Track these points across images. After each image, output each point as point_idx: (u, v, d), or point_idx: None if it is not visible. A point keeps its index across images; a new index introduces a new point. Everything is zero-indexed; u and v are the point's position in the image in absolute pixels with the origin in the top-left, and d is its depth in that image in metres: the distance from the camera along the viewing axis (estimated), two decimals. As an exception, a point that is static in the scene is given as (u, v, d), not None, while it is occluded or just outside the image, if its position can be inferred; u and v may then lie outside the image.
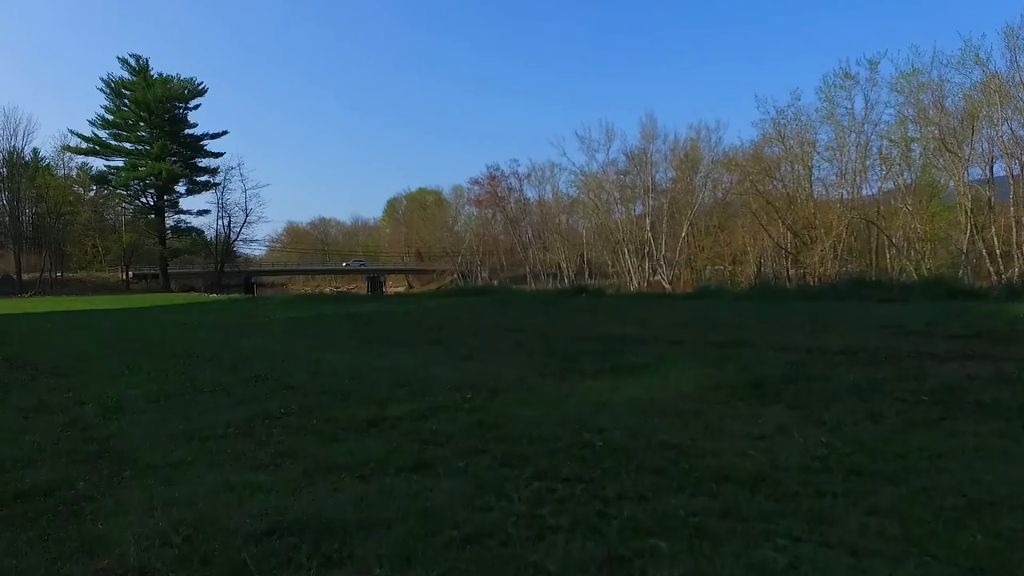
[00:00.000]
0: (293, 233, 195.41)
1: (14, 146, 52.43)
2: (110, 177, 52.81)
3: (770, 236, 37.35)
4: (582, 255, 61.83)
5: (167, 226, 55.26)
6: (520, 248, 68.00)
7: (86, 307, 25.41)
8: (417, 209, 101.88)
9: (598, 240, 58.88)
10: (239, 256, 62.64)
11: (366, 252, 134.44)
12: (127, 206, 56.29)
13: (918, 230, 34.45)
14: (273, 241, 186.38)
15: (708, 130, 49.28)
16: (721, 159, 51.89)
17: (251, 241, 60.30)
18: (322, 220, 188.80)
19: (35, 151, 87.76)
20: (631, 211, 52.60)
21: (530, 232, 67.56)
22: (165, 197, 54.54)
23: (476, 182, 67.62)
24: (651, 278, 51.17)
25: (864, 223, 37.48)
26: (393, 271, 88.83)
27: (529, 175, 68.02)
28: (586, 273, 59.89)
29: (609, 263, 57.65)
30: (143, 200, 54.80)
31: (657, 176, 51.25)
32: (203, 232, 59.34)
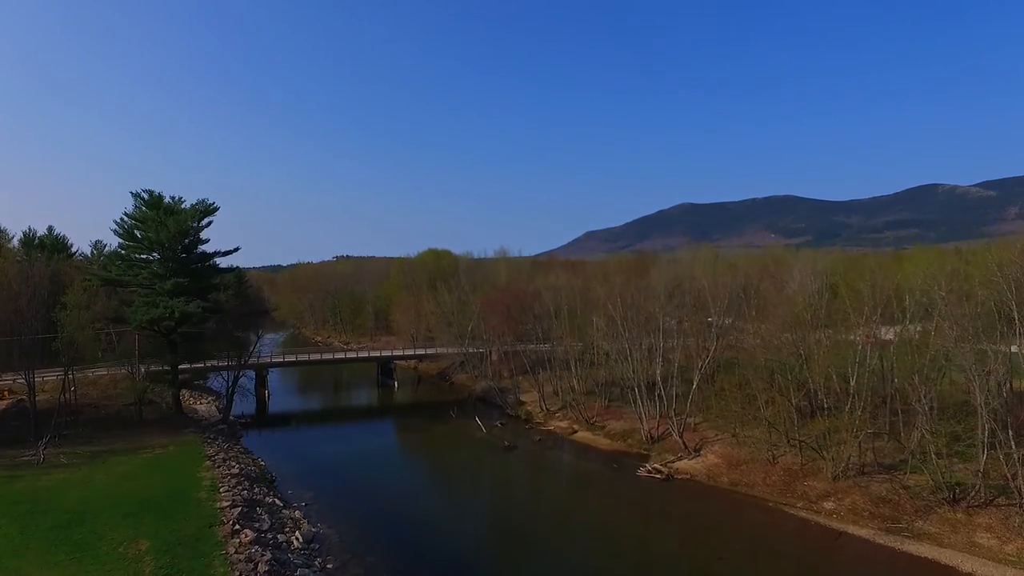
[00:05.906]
0: (304, 269, 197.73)
1: (29, 225, 53.04)
2: (126, 316, 53.26)
3: (790, 444, 37.02)
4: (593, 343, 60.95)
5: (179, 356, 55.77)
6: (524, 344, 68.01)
7: None
8: (426, 281, 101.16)
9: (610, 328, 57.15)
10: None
11: (375, 306, 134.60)
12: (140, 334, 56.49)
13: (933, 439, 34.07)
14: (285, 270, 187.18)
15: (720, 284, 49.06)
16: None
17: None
18: (334, 259, 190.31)
19: (50, 228, 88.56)
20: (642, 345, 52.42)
21: (540, 333, 67.20)
22: (178, 330, 55.05)
23: (487, 303, 67.29)
24: (662, 416, 50.91)
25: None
26: (401, 357, 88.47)
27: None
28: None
29: (619, 392, 57.44)
30: (155, 329, 55.18)
31: (669, 323, 51.02)
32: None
